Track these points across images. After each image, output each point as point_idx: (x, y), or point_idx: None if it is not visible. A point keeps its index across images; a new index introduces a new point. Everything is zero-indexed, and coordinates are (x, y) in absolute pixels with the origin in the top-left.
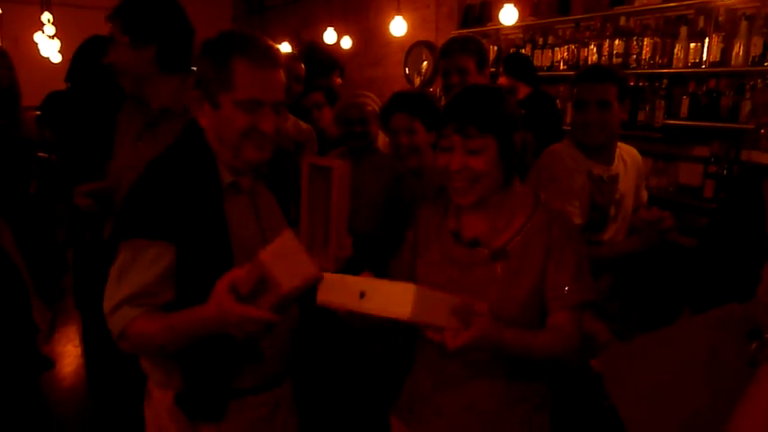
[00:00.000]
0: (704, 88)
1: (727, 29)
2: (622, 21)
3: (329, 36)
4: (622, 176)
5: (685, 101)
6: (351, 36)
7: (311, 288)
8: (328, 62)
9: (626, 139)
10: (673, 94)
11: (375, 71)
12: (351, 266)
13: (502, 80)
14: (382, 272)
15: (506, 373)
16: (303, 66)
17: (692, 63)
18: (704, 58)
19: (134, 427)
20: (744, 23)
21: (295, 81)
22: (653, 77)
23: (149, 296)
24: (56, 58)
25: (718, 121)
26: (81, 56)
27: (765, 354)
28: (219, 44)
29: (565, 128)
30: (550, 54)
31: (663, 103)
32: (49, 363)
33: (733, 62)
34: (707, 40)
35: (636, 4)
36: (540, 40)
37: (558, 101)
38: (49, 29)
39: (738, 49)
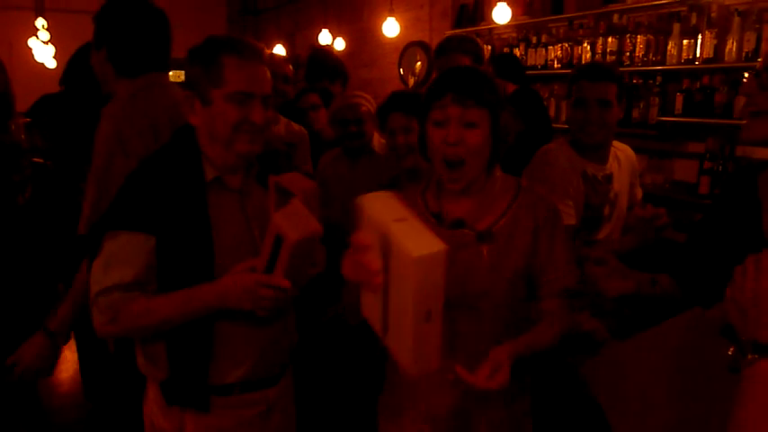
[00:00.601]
0: (698, 85)
1: (720, 25)
2: (615, 18)
3: (323, 38)
4: (616, 175)
5: (679, 97)
6: (345, 37)
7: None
8: (339, 68)
9: (620, 137)
10: (667, 91)
11: (369, 72)
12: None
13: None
14: None
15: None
16: (291, 67)
17: (685, 60)
18: (697, 55)
19: (132, 430)
20: (736, 19)
21: (282, 81)
22: (647, 74)
23: (139, 286)
24: (50, 63)
25: (713, 117)
26: (77, 60)
27: (746, 360)
28: (207, 46)
29: (554, 126)
30: (544, 53)
31: (657, 99)
32: None
33: (726, 58)
34: (700, 36)
35: (628, 1)
36: (534, 39)
37: (552, 99)
38: (44, 34)
39: (731, 45)
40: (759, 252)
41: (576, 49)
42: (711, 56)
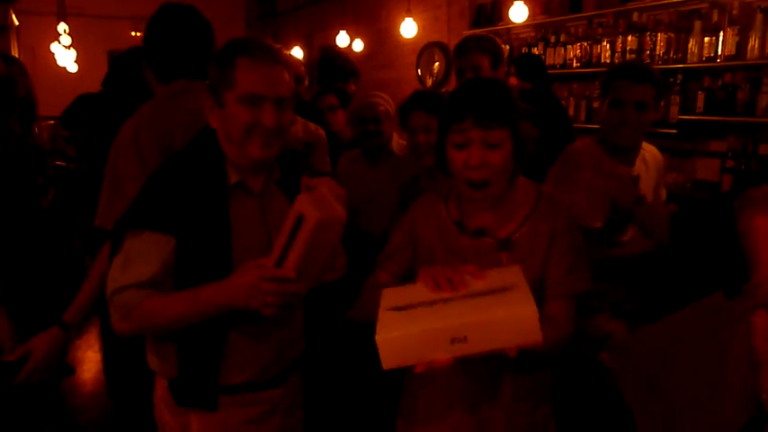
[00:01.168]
0: (720, 82)
1: (742, 22)
2: (635, 16)
3: (341, 39)
4: (643, 177)
5: (701, 96)
6: (363, 39)
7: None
8: (349, 67)
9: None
10: (688, 90)
11: (387, 73)
12: (362, 269)
13: (512, 80)
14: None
15: (512, 377)
16: (303, 67)
17: (706, 57)
18: (719, 52)
19: (154, 429)
20: (759, 16)
21: (296, 81)
22: (667, 73)
23: (155, 285)
24: (72, 67)
25: (735, 115)
26: (121, 62)
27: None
28: (224, 49)
29: (574, 125)
30: (563, 52)
31: (678, 98)
32: (70, 369)
33: (748, 55)
34: (721, 33)
35: None
36: (553, 38)
37: (571, 98)
38: (65, 39)
39: (754, 42)
40: None
41: (595, 48)
42: (733, 53)
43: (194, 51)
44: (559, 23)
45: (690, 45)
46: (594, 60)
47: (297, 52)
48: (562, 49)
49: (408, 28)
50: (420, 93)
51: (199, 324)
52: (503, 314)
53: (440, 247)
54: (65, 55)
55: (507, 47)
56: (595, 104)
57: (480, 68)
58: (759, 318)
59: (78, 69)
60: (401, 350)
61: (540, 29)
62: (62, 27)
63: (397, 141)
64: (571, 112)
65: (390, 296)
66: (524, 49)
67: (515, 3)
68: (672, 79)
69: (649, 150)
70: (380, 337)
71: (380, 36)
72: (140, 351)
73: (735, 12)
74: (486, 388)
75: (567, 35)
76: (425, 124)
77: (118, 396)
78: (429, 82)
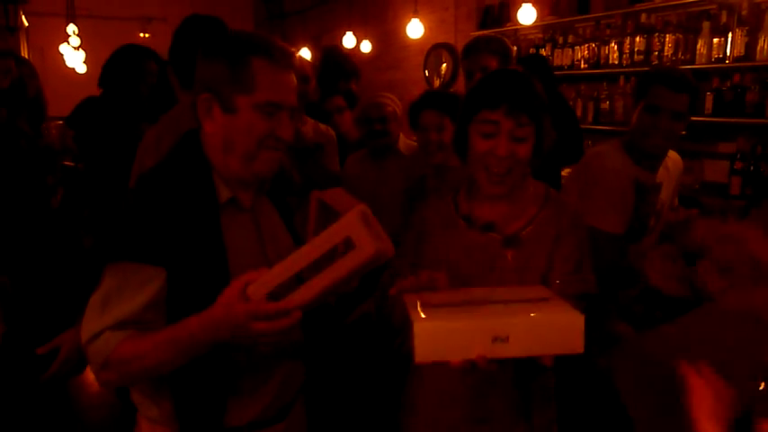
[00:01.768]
0: (728, 84)
1: (751, 23)
2: (643, 17)
3: (348, 40)
4: (665, 184)
5: (709, 97)
6: (370, 40)
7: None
8: (350, 67)
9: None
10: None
11: (395, 74)
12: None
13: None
14: None
15: (515, 381)
16: (312, 68)
17: (715, 59)
18: (728, 53)
19: None
20: (767, 17)
21: (302, 82)
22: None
23: (135, 324)
24: (81, 68)
25: (744, 116)
26: (113, 63)
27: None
28: (234, 43)
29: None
30: (570, 53)
31: None
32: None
33: (758, 56)
34: (730, 34)
35: (656, 0)
36: (560, 40)
37: (579, 99)
38: (75, 40)
39: (763, 44)
40: None
41: (603, 49)
42: (742, 54)
43: None
44: (567, 24)
45: (698, 46)
46: (602, 61)
47: (305, 53)
48: (570, 50)
49: (415, 29)
50: (432, 92)
51: (197, 361)
52: (550, 318)
53: (446, 242)
54: (74, 56)
55: (515, 48)
56: (603, 105)
57: (489, 69)
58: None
59: (87, 70)
60: (439, 342)
61: (547, 30)
62: (71, 28)
63: (404, 141)
64: (579, 113)
65: (417, 298)
66: (532, 50)
67: (524, 4)
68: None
69: (671, 157)
70: (419, 326)
71: (388, 37)
72: None
73: (744, 13)
74: (487, 395)
75: (574, 36)
76: (437, 123)
77: (125, 395)
78: (437, 83)
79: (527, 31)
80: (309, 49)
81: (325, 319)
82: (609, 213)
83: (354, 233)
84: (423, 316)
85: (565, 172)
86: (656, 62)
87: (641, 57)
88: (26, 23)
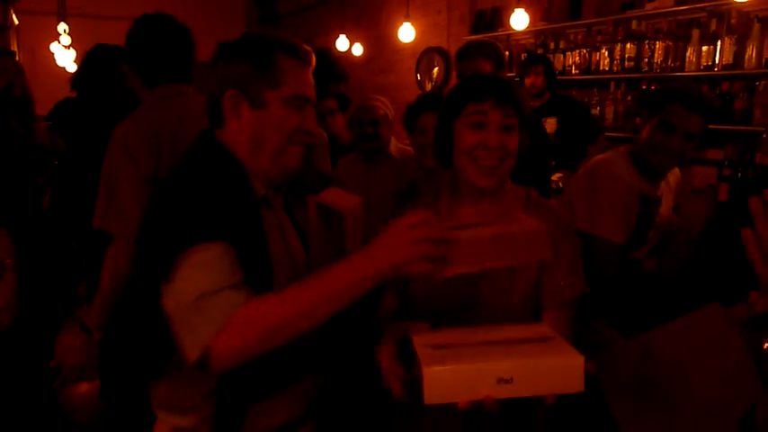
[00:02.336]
0: (717, 91)
1: (740, 31)
2: (634, 24)
3: (341, 43)
4: (665, 197)
5: None
6: (362, 43)
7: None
8: (340, 70)
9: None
10: None
11: (387, 78)
12: None
13: (538, 80)
14: None
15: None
16: None
17: (704, 66)
18: (717, 61)
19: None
20: (756, 26)
21: None
22: (665, 81)
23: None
24: (71, 67)
25: (732, 123)
26: (87, 64)
27: None
28: (257, 42)
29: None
30: (562, 58)
31: None
32: None
33: (746, 65)
34: (719, 42)
35: (647, 7)
36: (552, 45)
37: None
38: (65, 39)
39: (751, 52)
40: None
41: (594, 55)
42: (731, 62)
43: (177, 57)
44: (559, 30)
45: (688, 54)
46: (593, 67)
47: None
48: (561, 55)
49: (406, 33)
50: (429, 95)
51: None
52: (551, 361)
53: None
54: (64, 55)
55: (507, 53)
56: (594, 111)
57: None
58: None
59: (77, 70)
60: (447, 385)
61: (539, 35)
62: (62, 27)
63: (396, 145)
64: None
65: (423, 337)
66: (524, 56)
67: (516, 9)
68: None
69: (672, 171)
70: (429, 370)
71: (380, 41)
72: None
73: (733, 21)
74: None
75: (566, 42)
76: (435, 126)
77: (110, 397)
78: (428, 87)
79: (519, 36)
80: None
81: (341, 330)
82: (612, 222)
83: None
84: (429, 359)
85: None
86: (646, 69)
87: (632, 63)
88: (16, 21)
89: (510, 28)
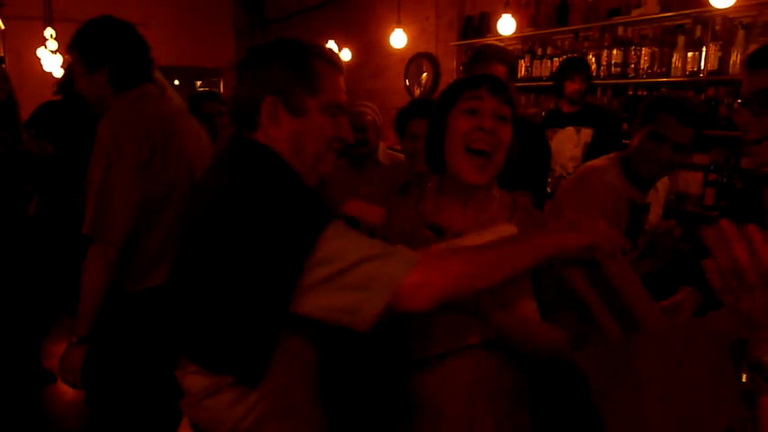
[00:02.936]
0: (702, 97)
1: (725, 37)
2: (620, 31)
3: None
4: (653, 205)
5: None
6: (351, 48)
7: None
8: None
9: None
10: None
11: (375, 83)
12: None
13: (575, 85)
14: None
15: (486, 383)
16: None
17: (690, 72)
18: (702, 67)
19: None
20: (741, 32)
21: None
22: (651, 86)
23: None
24: (58, 72)
25: (717, 129)
26: (70, 68)
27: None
28: (294, 46)
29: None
30: (549, 64)
31: None
32: (51, 377)
33: (731, 70)
34: (704, 48)
35: (633, 13)
36: (539, 51)
37: None
38: (52, 44)
39: (736, 58)
40: None
41: None
42: (716, 68)
43: (145, 55)
44: (546, 36)
45: (673, 59)
46: None
47: None
48: (548, 61)
49: (398, 38)
50: (420, 101)
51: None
52: None
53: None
54: (51, 60)
55: None
56: None
57: None
58: None
59: (64, 75)
60: None
61: (526, 41)
62: (49, 32)
63: (384, 151)
64: None
65: None
66: (562, 59)
67: (503, 15)
68: (656, 93)
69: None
70: None
71: (369, 46)
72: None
73: (717, 28)
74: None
75: (553, 48)
76: (425, 131)
77: (96, 404)
78: (417, 92)
79: (507, 42)
80: None
81: None
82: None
83: None
84: None
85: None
86: (632, 75)
87: (618, 69)
88: (2, 26)
89: (498, 34)
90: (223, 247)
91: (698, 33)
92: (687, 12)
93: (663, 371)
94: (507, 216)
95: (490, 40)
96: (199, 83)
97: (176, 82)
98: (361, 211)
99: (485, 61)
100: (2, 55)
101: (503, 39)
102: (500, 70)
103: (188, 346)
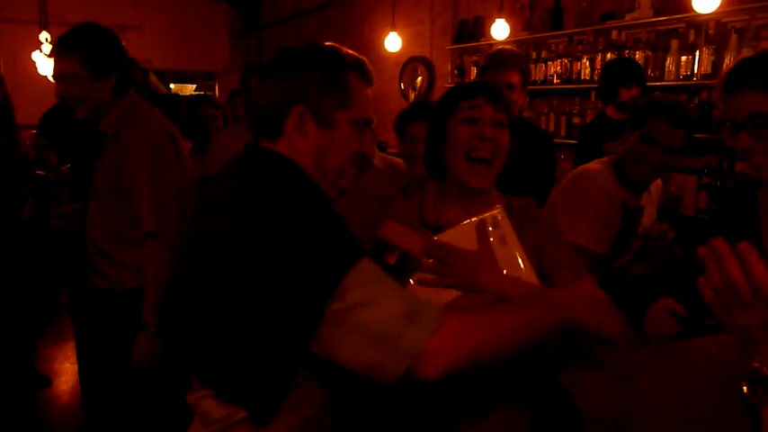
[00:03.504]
0: (696, 100)
1: (718, 42)
2: (614, 35)
3: None
4: (647, 208)
5: None
6: None
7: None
8: None
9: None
10: None
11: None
12: None
13: (633, 92)
14: None
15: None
16: None
17: (683, 76)
18: (695, 71)
19: None
20: (734, 36)
21: None
22: (645, 90)
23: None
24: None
25: (711, 132)
26: None
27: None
28: (329, 55)
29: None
30: (544, 68)
31: None
32: (46, 380)
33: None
34: (698, 52)
35: (627, 18)
36: (534, 55)
37: (551, 114)
38: (47, 48)
39: (729, 62)
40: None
41: (575, 64)
42: (709, 72)
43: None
44: (540, 40)
45: (667, 63)
46: (575, 77)
47: None
48: (543, 65)
49: (393, 42)
50: (421, 104)
51: None
52: None
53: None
54: (46, 63)
55: None
56: (575, 120)
57: (513, 86)
58: None
59: None
60: None
61: (521, 45)
62: (44, 35)
63: (379, 155)
64: (551, 127)
65: None
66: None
67: (497, 20)
68: (648, 96)
69: (654, 182)
70: None
71: (364, 50)
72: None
73: (711, 32)
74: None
75: (547, 52)
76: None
77: (93, 408)
78: (412, 96)
79: (501, 46)
80: None
81: None
82: (595, 232)
83: None
84: None
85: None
86: None
87: None
88: None
89: (492, 38)
90: (246, 272)
91: (691, 37)
92: (680, 16)
93: (664, 401)
94: (504, 206)
95: (484, 44)
96: (193, 86)
97: (172, 86)
98: (399, 239)
99: (501, 68)
100: None
101: (497, 43)
102: (516, 78)
103: (201, 368)
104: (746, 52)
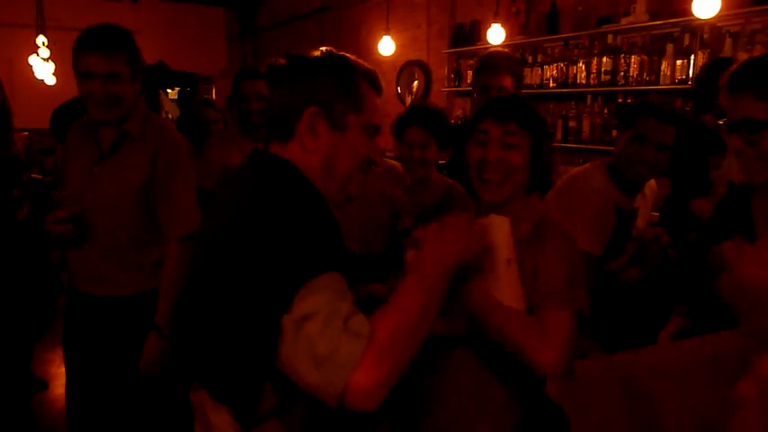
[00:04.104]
0: (691, 104)
1: (712, 46)
2: (610, 39)
3: None
4: (642, 210)
5: None
6: None
7: None
8: None
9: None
10: None
11: None
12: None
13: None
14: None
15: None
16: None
17: (678, 80)
18: (690, 75)
19: None
20: (728, 40)
21: (257, 99)
22: (641, 94)
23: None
24: (50, 80)
25: None
26: None
27: None
28: (343, 62)
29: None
30: (540, 72)
31: None
32: (42, 384)
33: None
34: (693, 56)
35: (623, 22)
36: (530, 59)
37: (547, 118)
38: (44, 51)
39: None
40: None
41: (571, 68)
42: None
43: None
44: (536, 44)
45: (662, 67)
46: (570, 81)
47: None
48: (539, 69)
49: (386, 46)
50: (419, 108)
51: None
52: None
53: None
54: (43, 67)
55: None
56: (571, 124)
57: (506, 90)
58: None
59: (56, 82)
60: None
61: (517, 49)
62: (41, 39)
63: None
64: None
65: None
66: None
67: (493, 25)
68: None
69: (649, 183)
70: None
71: (360, 54)
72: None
73: (705, 36)
74: None
75: (543, 56)
76: (422, 141)
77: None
78: (408, 100)
79: (498, 49)
80: None
81: None
82: (589, 234)
83: None
84: None
85: None
86: (622, 82)
87: (608, 77)
88: None
89: (488, 42)
90: (225, 273)
91: (686, 42)
92: (676, 20)
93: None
94: (534, 222)
95: (480, 48)
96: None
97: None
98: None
99: (494, 72)
100: None
101: (493, 47)
102: (507, 81)
103: (197, 368)
104: (741, 56)
